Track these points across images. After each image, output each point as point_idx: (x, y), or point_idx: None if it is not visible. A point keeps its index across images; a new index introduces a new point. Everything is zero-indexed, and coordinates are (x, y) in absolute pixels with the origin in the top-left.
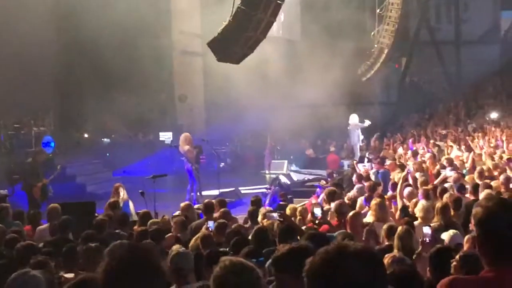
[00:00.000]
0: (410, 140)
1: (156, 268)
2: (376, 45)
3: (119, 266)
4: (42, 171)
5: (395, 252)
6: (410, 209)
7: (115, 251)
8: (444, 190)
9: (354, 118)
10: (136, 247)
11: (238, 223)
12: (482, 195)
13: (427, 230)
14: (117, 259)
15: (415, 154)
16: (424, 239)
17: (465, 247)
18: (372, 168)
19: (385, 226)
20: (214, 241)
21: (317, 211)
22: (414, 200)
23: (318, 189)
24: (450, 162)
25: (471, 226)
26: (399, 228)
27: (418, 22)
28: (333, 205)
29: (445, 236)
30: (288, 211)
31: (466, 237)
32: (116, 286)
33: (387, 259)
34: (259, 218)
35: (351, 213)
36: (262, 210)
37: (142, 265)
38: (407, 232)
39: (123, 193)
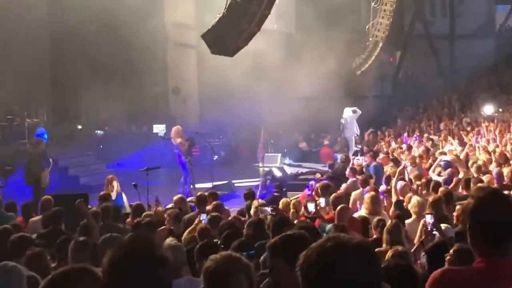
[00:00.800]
0: (405, 134)
1: (161, 258)
2: (370, 39)
3: (124, 257)
4: (42, 161)
5: (391, 246)
6: (404, 204)
7: (120, 242)
8: (438, 185)
9: (348, 112)
10: (140, 238)
11: (234, 216)
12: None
13: (429, 218)
14: (122, 250)
15: (409, 148)
16: (427, 228)
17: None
18: (364, 162)
19: (375, 219)
20: (211, 234)
21: (311, 206)
22: (409, 194)
23: (312, 182)
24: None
25: (455, 219)
26: (388, 222)
27: (413, 15)
28: (322, 199)
29: None
30: (281, 205)
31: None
32: (122, 276)
33: (389, 252)
34: (251, 211)
35: (339, 207)
36: (255, 203)
37: (147, 255)
38: (396, 226)
39: (116, 185)
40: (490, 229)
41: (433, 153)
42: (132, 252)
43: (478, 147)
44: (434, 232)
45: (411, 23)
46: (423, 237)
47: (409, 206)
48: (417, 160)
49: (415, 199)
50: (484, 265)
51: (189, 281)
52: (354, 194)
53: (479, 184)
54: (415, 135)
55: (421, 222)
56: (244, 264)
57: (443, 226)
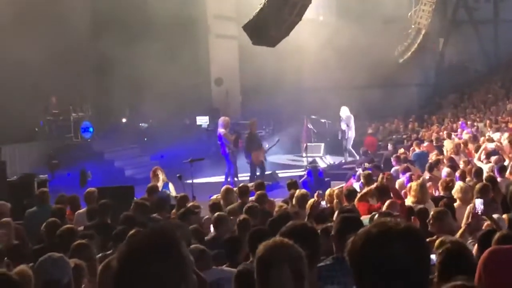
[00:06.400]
0: (462, 121)
1: (178, 256)
2: (413, 26)
3: (134, 255)
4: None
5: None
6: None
7: (135, 238)
8: (480, 171)
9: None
10: (156, 234)
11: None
12: None
13: (479, 203)
14: (134, 248)
15: (449, 135)
16: (476, 211)
17: None
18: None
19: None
20: (250, 225)
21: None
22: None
23: (360, 171)
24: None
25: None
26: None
27: (456, 1)
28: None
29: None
30: (326, 196)
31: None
32: (131, 276)
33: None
34: (294, 201)
35: (388, 201)
36: (297, 193)
37: (161, 254)
38: (443, 213)
39: (162, 176)
40: None
41: (478, 140)
42: (144, 251)
43: None
44: (483, 217)
45: (454, 9)
46: (469, 220)
47: (453, 192)
48: (462, 147)
49: (458, 184)
50: None
51: (213, 271)
52: (397, 183)
53: None
54: (460, 122)
55: (468, 207)
56: (293, 253)
57: (495, 216)
